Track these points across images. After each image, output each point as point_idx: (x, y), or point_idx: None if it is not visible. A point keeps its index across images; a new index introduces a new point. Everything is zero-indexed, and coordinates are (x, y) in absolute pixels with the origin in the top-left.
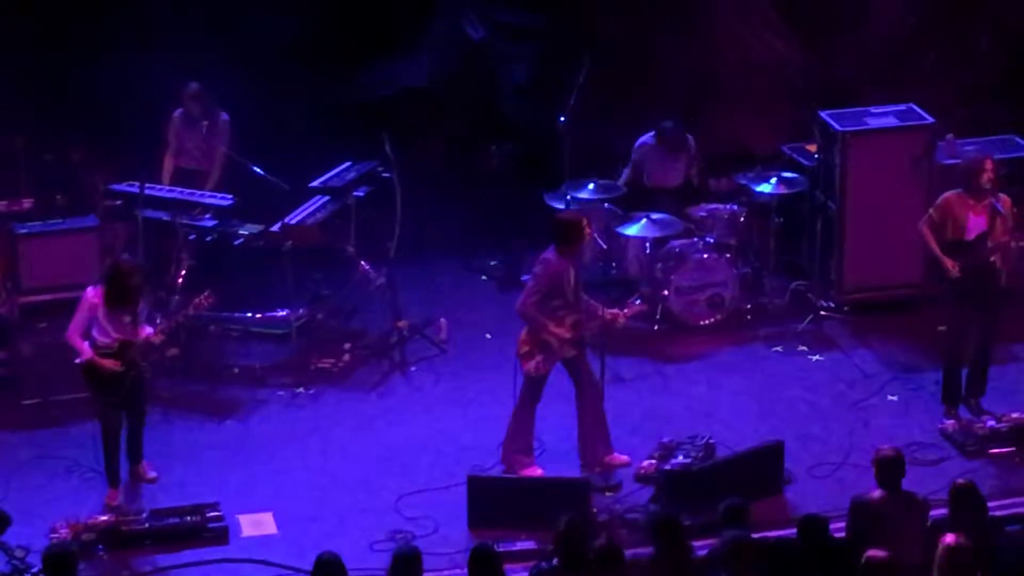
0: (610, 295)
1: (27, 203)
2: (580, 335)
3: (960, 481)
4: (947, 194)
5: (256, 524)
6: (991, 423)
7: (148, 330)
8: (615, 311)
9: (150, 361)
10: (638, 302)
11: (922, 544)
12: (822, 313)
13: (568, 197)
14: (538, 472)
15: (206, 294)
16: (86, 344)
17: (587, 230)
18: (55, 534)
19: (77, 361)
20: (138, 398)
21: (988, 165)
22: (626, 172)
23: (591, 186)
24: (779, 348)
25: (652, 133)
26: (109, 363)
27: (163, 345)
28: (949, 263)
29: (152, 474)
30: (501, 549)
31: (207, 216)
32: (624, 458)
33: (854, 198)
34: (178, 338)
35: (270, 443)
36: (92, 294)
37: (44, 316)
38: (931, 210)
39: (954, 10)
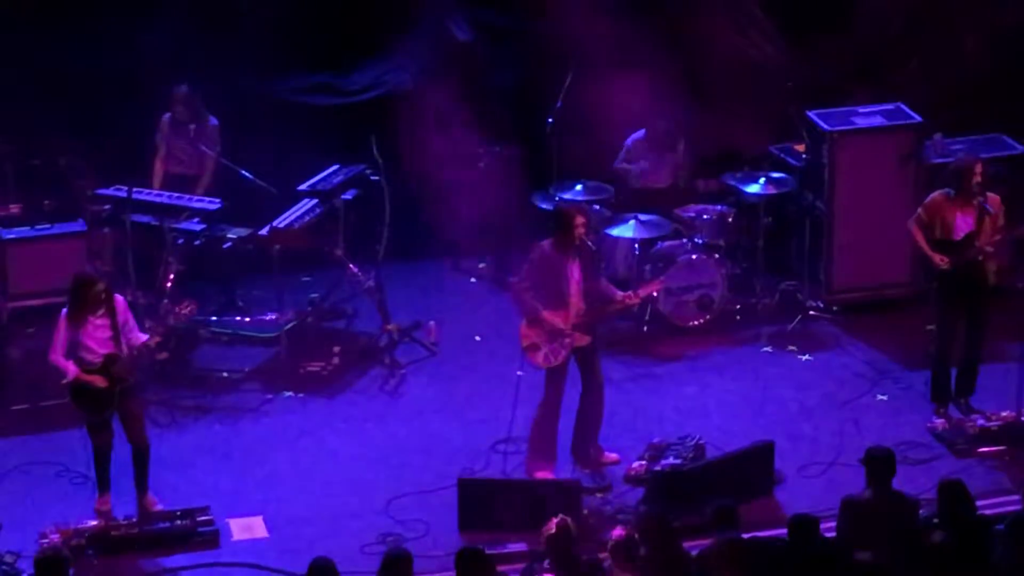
0: None
1: (15, 208)
2: (589, 322)
3: (948, 479)
4: (935, 194)
5: (246, 528)
6: (981, 422)
7: (142, 337)
8: (627, 294)
9: (139, 366)
10: (660, 279)
11: (912, 543)
12: (811, 313)
13: (556, 198)
14: (549, 476)
15: (186, 303)
16: (70, 363)
17: (578, 223)
18: (45, 539)
19: (64, 382)
20: (137, 429)
21: (978, 168)
22: (621, 157)
23: (579, 187)
24: (768, 348)
25: (643, 130)
26: (96, 380)
27: (153, 349)
28: (937, 257)
29: (158, 506)
30: (492, 551)
31: (195, 220)
32: (614, 456)
33: (842, 198)
34: (168, 343)
35: (260, 447)
36: (65, 313)
37: (32, 321)
38: (920, 209)
39: (941, 10)
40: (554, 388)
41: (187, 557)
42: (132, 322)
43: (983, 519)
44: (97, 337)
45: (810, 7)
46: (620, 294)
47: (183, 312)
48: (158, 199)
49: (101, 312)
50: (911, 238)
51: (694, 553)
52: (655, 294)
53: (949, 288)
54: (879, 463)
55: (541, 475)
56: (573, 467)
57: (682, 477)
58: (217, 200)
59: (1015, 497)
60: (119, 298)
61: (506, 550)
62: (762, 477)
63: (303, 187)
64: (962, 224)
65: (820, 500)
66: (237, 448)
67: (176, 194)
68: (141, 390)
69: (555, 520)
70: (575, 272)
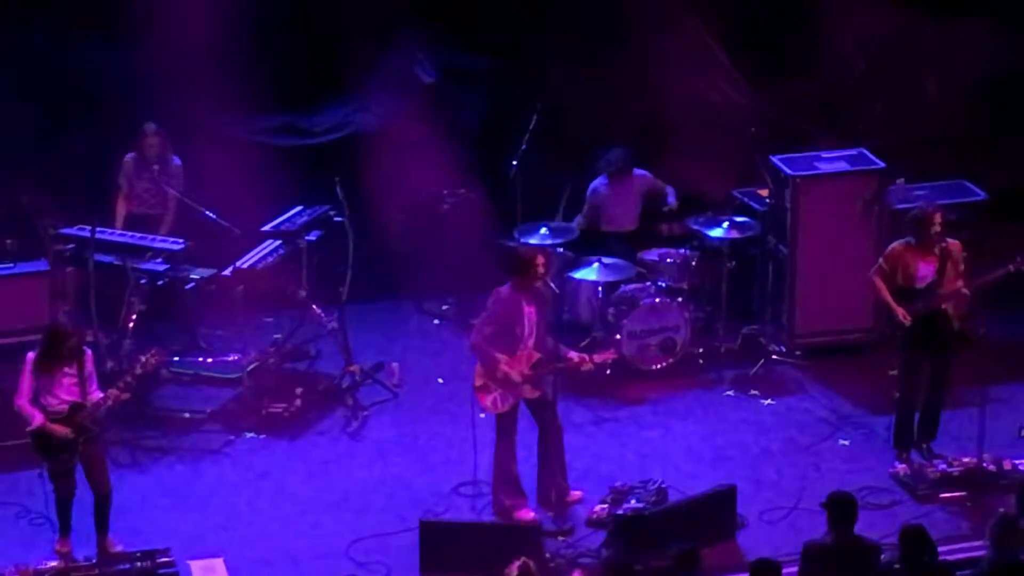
0: (562, 340)
1: None
2: (540, 376)
3: (909, 524)
4: (896, 244)
5: (207, 569)
6: (942, 467)
7: (98, 394)
8: (583, 355)
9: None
10: (610, 351)
11: None
12: (774, 357)
13: (519, 241)
14: (530, 515)
15: (152, 352)
16: (36, 410)
17: (539, 266)
18: None
19: (28, 429)
20: (100, 475)
21: (937, 218)
22: (579, 218)
23: (543, 231)
24: (731, 392)
25: (603, 177)
26: (60, 429)
27: (112, 405)
28: (900, 312)
29: (118, 547)
30: None
31: (158, 260)
32: (577, 494)
33: (805, 242)
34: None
35: (221, 488)
36: (32, 358)
37: None
38: (881, 260)
39: (905, 56)
40: (506, 436)
41: None
42: (94, 377)
43: (945, 565)
44: (64, 385)
45: (774, 52)
46: (573, 354)
47: (150, 361)
48: (121, 239)
49: (71, 362)
50: (874, 290)
51: None
52: (617, 337)
53: (914, 334)
54: (841, 508)
55: (520, 515)
56: (538, 509)
57: (644, 521)
58: (180, 240)
59: (977, 543)
60: (87, 351)
61: None
62: (724, 521)
63: (266, 228)
64: (924, 272)
65: (782, 545)
66: (198, 489)
67: (139, 234)
68: (103, 433)
69: (517, 563)
70: (532, 315)
